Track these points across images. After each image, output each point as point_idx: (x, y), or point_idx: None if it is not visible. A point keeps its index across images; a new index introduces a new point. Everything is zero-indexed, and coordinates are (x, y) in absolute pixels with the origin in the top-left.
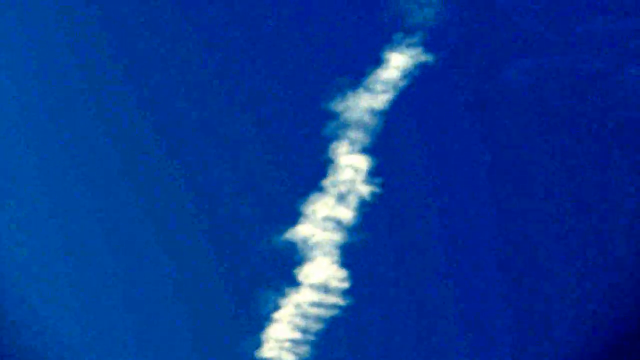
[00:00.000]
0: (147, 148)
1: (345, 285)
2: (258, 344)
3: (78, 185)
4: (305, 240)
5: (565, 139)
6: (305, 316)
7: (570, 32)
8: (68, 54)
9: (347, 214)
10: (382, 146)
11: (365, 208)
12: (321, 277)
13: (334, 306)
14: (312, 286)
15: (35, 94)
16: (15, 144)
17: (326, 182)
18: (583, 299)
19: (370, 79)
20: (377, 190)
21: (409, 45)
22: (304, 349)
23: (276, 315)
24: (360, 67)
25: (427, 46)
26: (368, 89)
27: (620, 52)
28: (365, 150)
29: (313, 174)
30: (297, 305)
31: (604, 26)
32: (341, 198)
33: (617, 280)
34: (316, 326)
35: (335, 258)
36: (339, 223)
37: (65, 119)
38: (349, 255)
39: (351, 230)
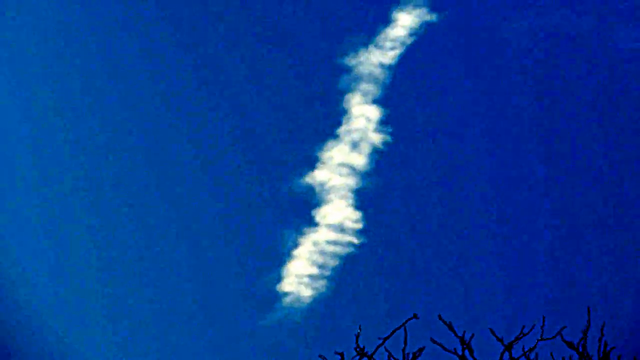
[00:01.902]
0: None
1: (359, 225)
2: (279, 279)
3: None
4: (322, 184)
5: (557, 94)
6: (322, 253)
7: None
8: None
9: (360, 160)
10: (392, 98)
11: (377, 155)
12: (337, 218)
13: (348, 244)
14: (328, 226)
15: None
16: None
17: (341, 131)
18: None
19: (380, 37)
20: (387, 138)
21: (415, 6)
22: (321, 283)
23: (295, 252)
24: (370, 26)
25: (431, 7)
26: (378, 46)
27: (610, 12)
28: (376, 102)
29: (329, 123)
30: (315, 243)
31: None
32: (355, 145)
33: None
34: (332, 262)
35: (350, 201)
36: (353, 168)
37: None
38: (362, 198)
39: (364, 175)
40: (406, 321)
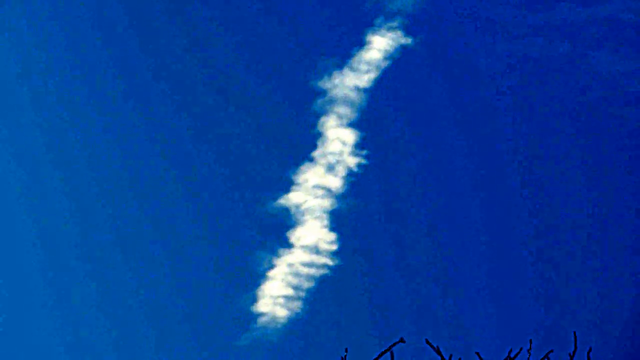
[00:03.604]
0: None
1: (334, 247)
2: (254, 300)
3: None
4: (297, 206)
5: (535, 119)
6: (297, 274)
7: (539, 19)
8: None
9: (335, 182)
10: (367, 121)
11: (352, 177)
12: (312, 240)
13: (323, 266)
14: (303, 247)
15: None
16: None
17: (316, 154)
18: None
19: (355, 59)
20: (362, 161)
21: (389, 29)
22: (297, 304)
23: (270, 273)
24: (344, 49)
25: (407, 30)
26: (353, 69)
27: (585, 38)
28: (351, 125)
29: (304, 146)
30: (290, 265)
31: (569, 13)
32: (330, 168)
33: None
34: (307, 284)
35: (325, 222)
36: (328, 190)
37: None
38: (337, 220)
39: (339, 197)
40: (393, 345)
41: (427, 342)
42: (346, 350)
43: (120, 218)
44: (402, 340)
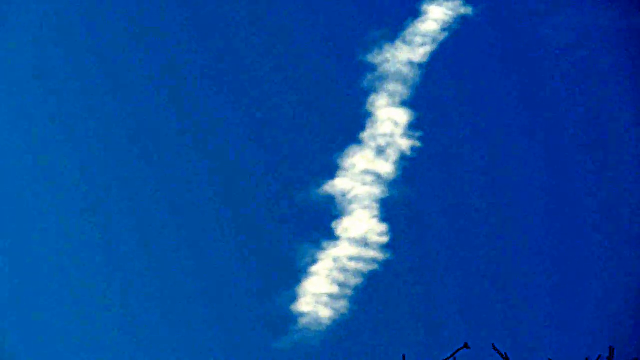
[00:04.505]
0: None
1: (385, 239)
2: (295, 298)
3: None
4: (343, 194)
5: (598, 92)
6: (343, 270)
7: None
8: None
9: (386, 167)
10: (422, 99)
11: (405, 162)
12: (360, 231)
13: (373, 260)
14: (350, 240)
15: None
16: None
17: (365, 135)
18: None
19: (409, 31)
20: (416, 143)
21: None
22: (342, 304)
23: (313, 268)
24: (397, 20)
25: None
26: (406, 41)
27: None
28: (404, 103)
29: (352, 127)
30: (335, 259)
31: None
32: (380, 151)
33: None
34: (355, 281)
35: (374, 212)
36: (378, 176)
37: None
38: (388, 209)
39: (391, 183)
40: (457, 351)
41: (494, 347)
42: (403, 358)
43: (154, 206)
44: (466, 346)
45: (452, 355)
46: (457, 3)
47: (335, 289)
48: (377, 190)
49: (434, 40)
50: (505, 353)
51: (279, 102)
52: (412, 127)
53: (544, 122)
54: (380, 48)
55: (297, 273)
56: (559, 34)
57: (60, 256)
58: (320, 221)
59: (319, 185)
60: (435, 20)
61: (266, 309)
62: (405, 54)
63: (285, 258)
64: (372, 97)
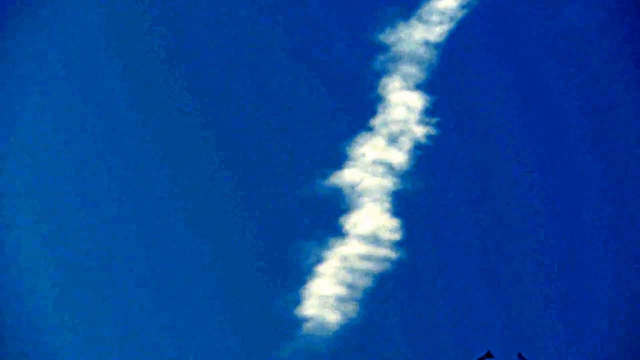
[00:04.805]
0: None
1: (397, 236)
2: (299, 301)
3: None
4: (352, 186)
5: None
6: (352, 270)
7: None
8: None
9: (399, 157)
10: (438, 82)
11: (420, 150)
12: (370, 227)
13: (384, 259)
14: (360, 237)
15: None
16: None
17: (376, 122)
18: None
19: (425, 9)
20: (433, 131)
21: None
22: (351, 307)
23: (319, 268)
24: None
25: None
26: (422, 20)
27: None
28: (419, 87)
29: (361, 112)
30: (344, 258)
31: None
32: (393, 139)
33: None
34: (364, 281)
35: (386, 206)
36: (390, 167)
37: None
38: (401, 203)
39: (404, 175)
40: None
41: (520, 356)
42: None
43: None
44: (489, 355)
45: None
46: None
47: (343, 291)
48: (389, 182)
49: (451, 18)
50: None
51: (281, 83)
52: (428, 113)
53: (570, 105)
54: (394, 27)
55: (301, 273)
56: (581, 15)
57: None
58: (327, 216)
59: (325, 176)
60: None
61: (267, 313)
62: (421, 33)
63: (288, 257)
64: (385, 80)
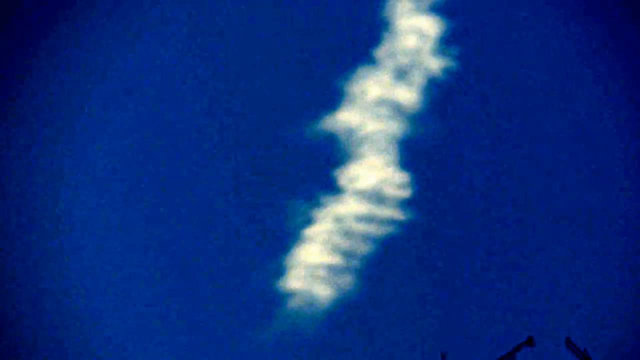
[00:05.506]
0: None
1: (405, 193)
2: (284, 271)
3: None
4: (350, 132)
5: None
6: (348, 234)
7: None
8: None
9: (409, 96)
10: (457, 3)
11: (434, 88)
12: (372, 182)
13: (388, 221)
14: (359, 194)
15: None
16: None
17: (380, 53)
18: None
19: None
20: (450, 64)
21: None
22: (346, 279)
23: (308, 232)
24: None
25: None
26: None
27: None
28: (434, 9)
29: (362, 40)
30: (338, 219)
31: None
32: (401, 74)
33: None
34: (363, 248)
35: (392, 156)
36: (397, 108)
37: None
38: (410, 153)
39: (414, 118)
40: (518, 346)
41: (568, 340)
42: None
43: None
44: (530, 340)
45: (512, 352)
46: None
47: (336, 260)
48: (396, 127)
49: None
50: (585, 349)
51: (263, 5)
52: (444, 42)
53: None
54: None
55: (285, 238)
56: None
57: None
58: (318, 168)
59: (317, 119)
60: None
61: (244, 287)
62: None
63: (269, 218)
64: (391, 1)
